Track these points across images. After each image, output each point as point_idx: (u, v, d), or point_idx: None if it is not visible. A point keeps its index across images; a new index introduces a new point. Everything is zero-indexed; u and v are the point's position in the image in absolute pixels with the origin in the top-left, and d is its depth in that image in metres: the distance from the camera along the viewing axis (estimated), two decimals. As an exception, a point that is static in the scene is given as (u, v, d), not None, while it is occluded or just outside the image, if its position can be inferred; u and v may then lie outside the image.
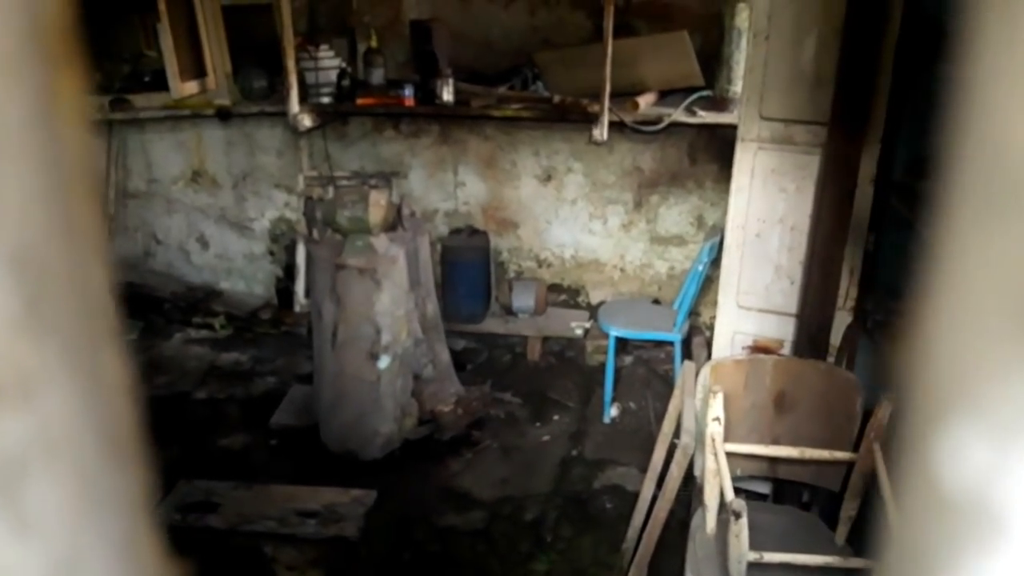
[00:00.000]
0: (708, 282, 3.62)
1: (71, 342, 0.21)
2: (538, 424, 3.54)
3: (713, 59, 3.64)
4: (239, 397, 3.73)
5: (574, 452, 3.35)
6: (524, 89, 3.99)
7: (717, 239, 3.27)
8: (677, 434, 2.47)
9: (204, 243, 4.62)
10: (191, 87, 3.99)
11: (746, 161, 2.92)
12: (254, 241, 4.58)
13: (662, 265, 4.28)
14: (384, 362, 3.13)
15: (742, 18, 3.34)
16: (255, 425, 3.45)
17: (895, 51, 2.62)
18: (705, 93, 3.69)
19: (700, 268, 3.37)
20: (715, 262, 3.30)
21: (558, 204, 4.28)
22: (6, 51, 0.19)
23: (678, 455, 2.27)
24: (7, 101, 0.19)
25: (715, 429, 2.07)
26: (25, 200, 0.20)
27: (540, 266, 4.41)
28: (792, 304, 2.92)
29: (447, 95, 3.74)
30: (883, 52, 2.53)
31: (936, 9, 2.55)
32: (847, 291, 2.87)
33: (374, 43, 3.94)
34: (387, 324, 3.11)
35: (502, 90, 3.91)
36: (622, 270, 4.34)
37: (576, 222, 4.29)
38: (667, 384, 3.71)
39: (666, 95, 3.81)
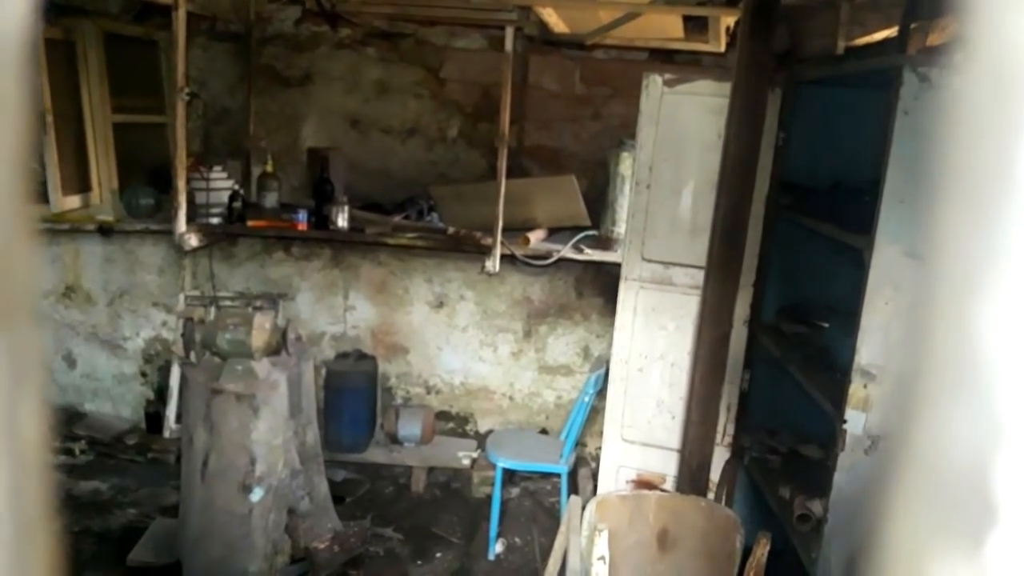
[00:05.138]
0: (594, 412, 3.67)
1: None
2: (419, 562, 3.39)
3: (599, 202, 3.86)
4: (96, 530, 3.41)
5: (457, 592, 3.22)
6: (420, 219, 4.07)
7: (602, 371, 3.34)
8: (562, 572, 2.42)
9: (71, 361, 4.33)
10: (73, 201, 3.85)
11: (629, 299, 3.05)
12: (125, 361, 4.34)
13: (550, 394, 4.32)
14: (257, 495, 2.95)
15: (626, 166, 3.57)
16: (111, 562, 3.15)
17: (765, 205, 2.86)
18: (591, 232, 3.88)
19: (586, 399, 3.42)
20: (600, 393, 3.36)
21: (449, 331, 4.30)
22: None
23: (562, 596, 2.22)
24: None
25: (600, 569, 2.05)
26: None
27: (429, 392, 4.36)
28: (674, 439, 2.99)
29: (342, 221, 3.76)
30: (754, 205, 2.75)
31: (802, 170, 2.81)
32: (724, 427, 2.98)
33: (270, 167, 3.95)
34: (263, 454, 2.96)
35: (398, 219, 3.97)
36: (511, 398, 4.35)
37: (467, 349, 4.31)
38: (553, 518, 3.67)
39: (555, 232, 3.98)
